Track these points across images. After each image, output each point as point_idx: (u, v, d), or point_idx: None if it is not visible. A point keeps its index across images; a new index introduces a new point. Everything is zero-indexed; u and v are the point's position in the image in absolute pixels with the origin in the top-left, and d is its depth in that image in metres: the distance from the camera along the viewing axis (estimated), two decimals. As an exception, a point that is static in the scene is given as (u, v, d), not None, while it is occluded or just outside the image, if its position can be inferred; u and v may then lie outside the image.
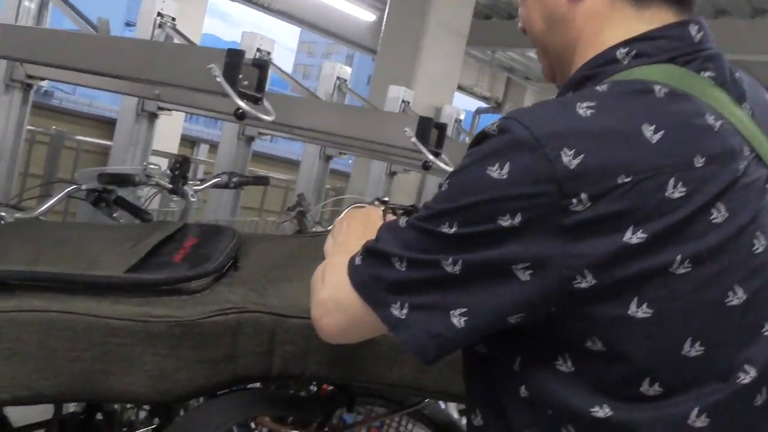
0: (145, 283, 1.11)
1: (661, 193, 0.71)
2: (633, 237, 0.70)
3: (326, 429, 1.36)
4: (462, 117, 4.86)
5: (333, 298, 0.82)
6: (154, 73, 1.50)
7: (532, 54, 9.24)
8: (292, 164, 6.35)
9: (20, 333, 1.07)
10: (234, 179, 2.28)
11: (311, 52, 43.49)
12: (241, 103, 1.33)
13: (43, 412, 1.43)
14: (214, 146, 5.83)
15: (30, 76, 2.63)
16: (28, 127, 2.84)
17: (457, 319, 0.74)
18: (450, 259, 0.73)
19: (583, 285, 0.71)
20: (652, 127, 0.72)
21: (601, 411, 0.73)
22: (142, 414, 1.61)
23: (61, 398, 1.12)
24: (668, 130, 0.72)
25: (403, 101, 4.01)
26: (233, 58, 1.31)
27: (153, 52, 1.50)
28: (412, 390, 1.20)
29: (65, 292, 1.10)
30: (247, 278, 1.20)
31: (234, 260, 1.23)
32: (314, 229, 2.40)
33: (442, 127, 2.00)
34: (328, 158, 3.80)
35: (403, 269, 0.76)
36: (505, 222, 0.71)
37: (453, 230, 0.73)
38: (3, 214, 1.75)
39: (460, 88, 8.75)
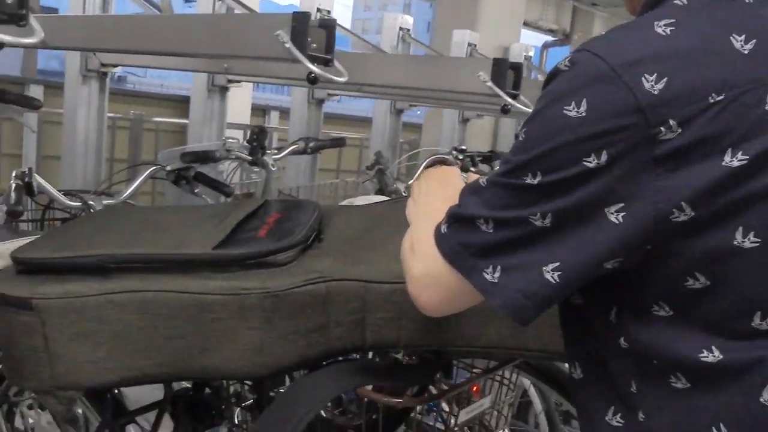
0: (234, 258, 1.12)
1: (760, 108, 0.65)
2: (733, 160, 0.64)
3: (426, 394, 1.36)
4: (531, 54, 4.69)
5: (426, 272, 0.79)
6: (222, 47, 1.49)
7: (599, -23, 8.68)
8: (363, 122, 6.33)
9: (120, 314, 1.11)
10: (311, 144, 2.28)
11: (368, 6, 42.94)
12: (313, 67, 1.31)
13: (155, 393, 1.50)
14: (284, 112, 5.87)
15: (104, 65, 2.69)
16: (108, 114, 2.92)
17: (551, 275, 0.70)
18: (538, 213, 0.69)
19: (681, 218, 0.66)
20: (742, 37, 0.66)
21: (711, 355, 0.69)
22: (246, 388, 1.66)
23: (165, 377, 1.17)
24: (761, 38, 0.66)
25: (469, 44, 3.89)
26: (300, 22, 1.28)
27: (219, 25, 1.49)
28: (512, 350, 1.17)
29: (158, 271, 1.13)
30: (331, 249, 1.20)
31: (317, 232, 1.23)
32: (395, 186, 2.38)
33: (517, 68, 1.92)
34: (399, 112, 3.76)
35: (491, 231, 0.73)
36: (591, 163, 0.66)
37: (537, 180, 0.69)
38: (92, 202, 1.82)
39: (525, 24, 8.42)
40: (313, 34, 1.35)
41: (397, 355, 1.36)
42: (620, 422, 0.76)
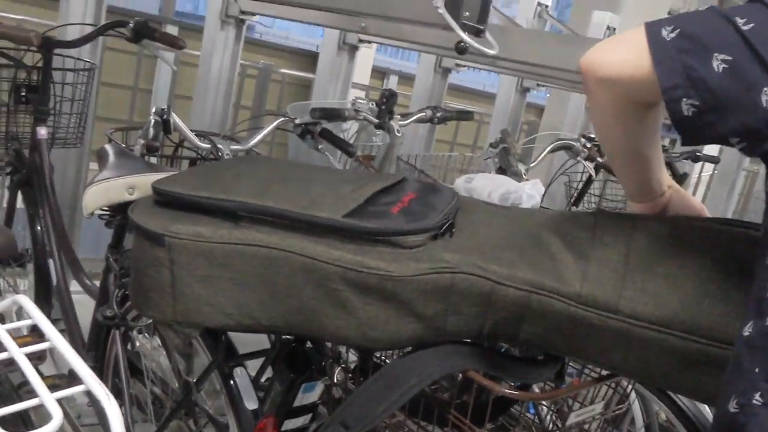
0: (362, 230, 1.10)
1: None
2: None
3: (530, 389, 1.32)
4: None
5: (615, 36, 0.89)
6: (370, 6, 1.46)
7: (757, -32, 8.16)
8: (481, 96, 6.21)
9: (244, 265, 1.12)
10: (438, 114, 2.24)
11: (497, -23, 41.94)
12: (465, 36, 1.26)
13: (262, 339, 1.54)
14: (403, 77, 5.84)
15: (243, 12, 2.74)
16: (240, 62, 2.98)
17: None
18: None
19: None
20: None
21: None
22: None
23: (277, 330, 1.18)
24: None
25: (608, 27, 3.69)
26: (458, -12, 1.23)
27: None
28: (634, 377, 1.10)
29: (286, 229, 1.13)
30: (463, 241, 1.15)
31: (451, 222, 1.19)
32: (518, 167, 2.30)
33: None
34: (525, 90, 3.65)
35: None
36: None
37: None
38: (220, 146, 1.86)
39: (668, 13, 7.95)
40: (468, 2, 1.30)
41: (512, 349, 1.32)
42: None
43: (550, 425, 1.36)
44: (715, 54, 0.80)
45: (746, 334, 0.81)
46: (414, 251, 1.10)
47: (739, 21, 0.80)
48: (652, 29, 0.85)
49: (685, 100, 0.82)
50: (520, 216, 1.24)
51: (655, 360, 1.04)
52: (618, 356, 1.07)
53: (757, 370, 0.78)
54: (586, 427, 1.36)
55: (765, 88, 0.78)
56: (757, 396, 0.77)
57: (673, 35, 0.83)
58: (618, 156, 1.07)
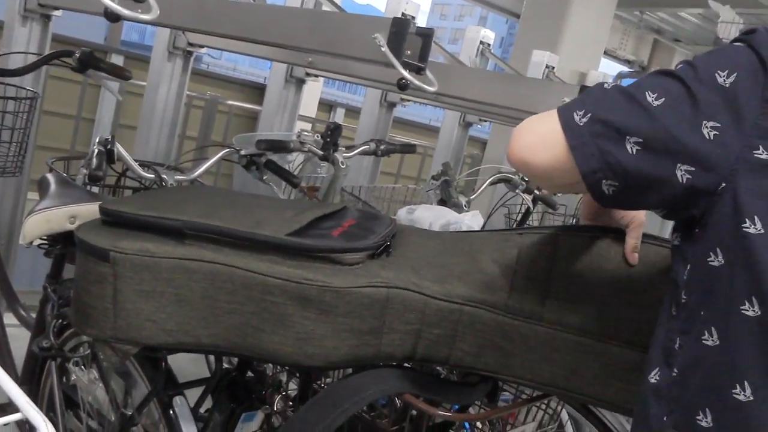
0: (303, 247, 1.14)
1: None
2: None
3: (469, 410, 1.35)
4: (609, 83, 4.62)
5: (532, 121, 0.89)
6: (316, 42, 1.51)
7: (684, 14, 8.56)
8: (426, 129, 6.33)
9: (188, 280, 1.14)
10: (381, 147, 2.29)
11: (444, 14, 42.95)
12: (406, 74, 1.31)
13: (202, 370, 1.53)
14: (350, 110, 5.91)
15: (191, 44, 2.76)
16: (186, 92, 2.99)
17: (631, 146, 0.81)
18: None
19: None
20: None
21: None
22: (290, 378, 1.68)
23: (217, 350, 1.19)
24: None
25: (547, 66, 3.85)
26: (399, 28, 1.29)
27: (316, 20, 1.50)
28: (563, 391, 1.16)
29: (230, 246, 1.15)
30: (399, 261, 1.21)
31: (388, 245, 1.24)
32: (458, 199, 2.36)
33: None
34: (468, 125, 3.74)
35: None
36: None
37: None
38: (164, 176, 1.86)
39: (604, 52, 8.30)
40: (410, 41, 1.36)
41: (444, 372, 1.36)
42: None
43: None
44: (628, 137, 0.81)
45: (653, 381, 0.85)
46: (352, 268, 1.14)
47: (649, 98, 0.81)
48: (565, 115, 0.85)
49: (604, 181, 0.84)
50: (454, 238, 1.31)
51: (581, 369, 1.11)
52: (546, 371, 1.13)
53: (665, 418, 0.82)
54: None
55: (679, 164, 0.79)
56: None
57: (585, 120, 0.83)
58: None
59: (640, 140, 0.80)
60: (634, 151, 0.80)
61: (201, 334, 1.16)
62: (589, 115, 0.83)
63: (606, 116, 0.82)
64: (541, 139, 0.86)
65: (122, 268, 1.13)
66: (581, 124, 0.83)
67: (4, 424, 0.89)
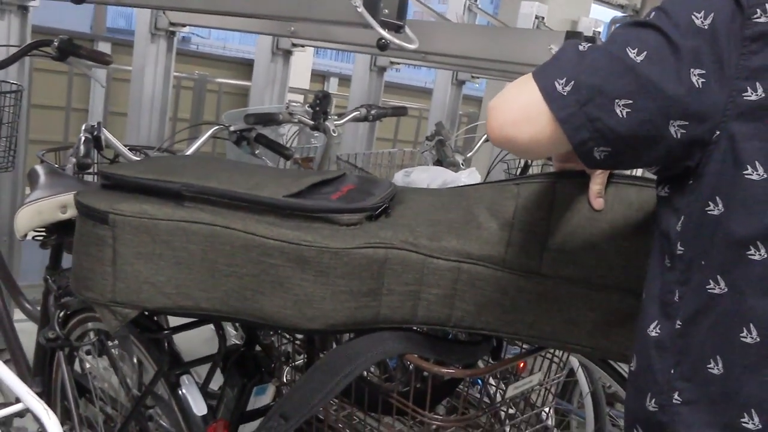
0: (302, 208, 1.14)
1: None
2: None
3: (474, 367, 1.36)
4: (600, 29, 4.55)
5: (508, 92, 0.84)
6: (291, 9, 1.48)
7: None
8: (422, 92, 6.28)
9: (186, 243, 1.15)
10: (372, 111, 2.27)
11: (432, -25, 42.30)
12: (384, 33, 1.29)
13: (209, 347, 1.54)
14: (343, 79, 5.87)
15: (173, 24, 2.72)
16: (174, 74, 2.96)
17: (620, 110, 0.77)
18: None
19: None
20: None
21: None
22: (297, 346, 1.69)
23: (216, 314, 1.18)
24: None
25: (536, 17, 3.79)
26: (373, -14, 1.26)
27: (290, -13, 1.47)
28: (565, 344, 1.16)
29: (229, 208, 1.15)
30: (397, 222, 1.20)
31: (387, 207, 1.23)
32: (454, 158, 2.35)
33: (591, 41, 1.85)
34: (461, 83, 3.70)
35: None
36: None
37: None
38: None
39: (595, -2, 8.16)
40: (386, 0, 1.33)
41: (452, 334, 1.36)
42: None
43: (497, 396, 1.41)
44: (616, 100, 0.77)
45: (653, 334, 0.83)
46: (350, 229, 1.14)
47: (631, 53, 0.77)
48: (544, 83, 0.80)
49: (596, 149, 0.80)
50: (451, 193, 1.29)
51: (581, 320, 1.10)
52: (546, 324, 1.13)
53: (672, 371, 0.81)
54: (533, 399, 1.41)
55: (671, 121, 0.76)
56: (676, 396, 0.80)
57: (568, 88, 0.78)
58: None
59: (630, 101, 0.76)
60: (625, 114, 0.77)
61: (200, 297, 1.16)
62: (572, 82, 0.78)
63: (590, 80, 0.78)
64: (524, 112, 0.81)
65: (121, 231, 1.14)
66: (565, 93, 0.78)
67: (12, 415, 0.89)
